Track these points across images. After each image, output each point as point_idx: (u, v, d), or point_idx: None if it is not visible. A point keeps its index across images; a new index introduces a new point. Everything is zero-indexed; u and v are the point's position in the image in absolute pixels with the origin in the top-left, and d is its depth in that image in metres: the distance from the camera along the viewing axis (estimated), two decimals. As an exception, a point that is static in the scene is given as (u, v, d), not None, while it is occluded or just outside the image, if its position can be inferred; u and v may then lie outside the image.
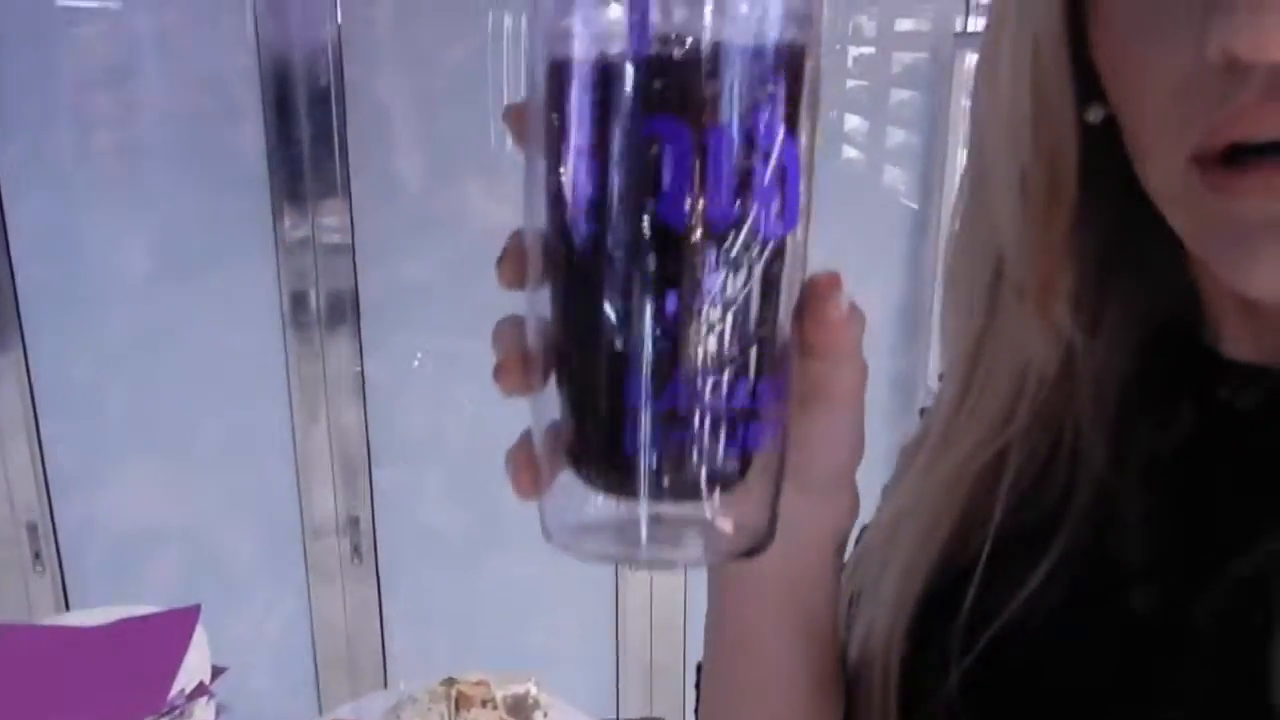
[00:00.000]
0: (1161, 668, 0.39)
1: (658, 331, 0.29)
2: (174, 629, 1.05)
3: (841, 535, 0.43)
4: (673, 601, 1.88)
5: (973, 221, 0.45)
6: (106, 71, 1.62)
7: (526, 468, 0.32)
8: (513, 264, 0.32)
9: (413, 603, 1.85)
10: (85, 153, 1.65)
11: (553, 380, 0.32)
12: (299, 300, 1.68)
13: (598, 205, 0.29)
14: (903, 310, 1.90)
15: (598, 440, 0.31)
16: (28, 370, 1.68)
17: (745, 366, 0.31)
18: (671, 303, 0.29)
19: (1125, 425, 0.43)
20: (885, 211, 1.86)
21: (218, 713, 1.06)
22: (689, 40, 0.28)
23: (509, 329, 0.33)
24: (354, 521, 1.77)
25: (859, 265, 1.83)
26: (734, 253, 0.29)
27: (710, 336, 0.30)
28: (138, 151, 1.66)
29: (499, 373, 0.32)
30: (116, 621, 1.09)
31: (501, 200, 1.72)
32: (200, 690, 1.01)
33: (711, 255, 0.29)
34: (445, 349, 1.75)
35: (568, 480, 0.32)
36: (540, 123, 0.30)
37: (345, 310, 1.69)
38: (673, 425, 0.30)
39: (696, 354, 0.30)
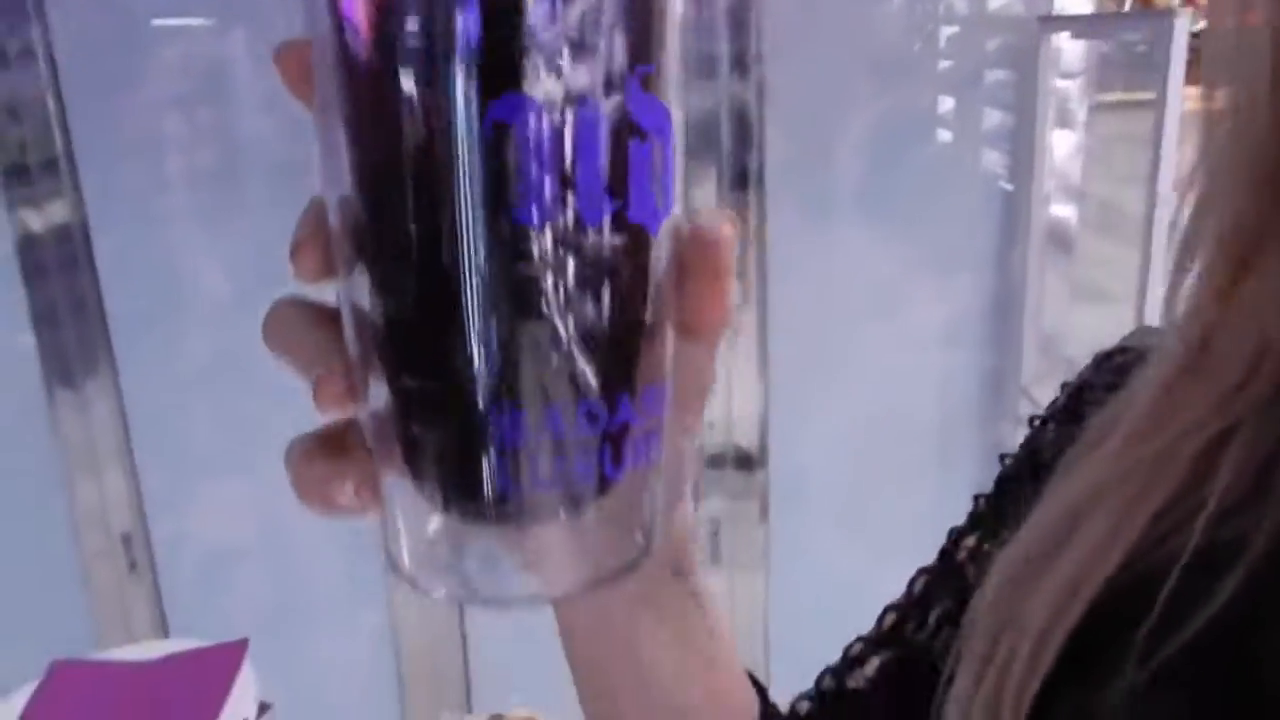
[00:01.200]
0: None
1: (510, 345, 0.25)
2: (221, 663, 1.06)
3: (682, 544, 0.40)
4: (754, 601, 1.84)
5: (1209, 193, 0.40)
6: (194, 94, 1.66)
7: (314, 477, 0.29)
8: (313, 251, 0.27)
9: (495, 621, 1.86)
10: (169, 178, 1.69)
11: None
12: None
13: (425, 205, 0.24)
14: (995, 301, 1.82)
15: (441, 454, 0.26)
16: (118, 392, 1.74)
17: (621, 374, 0.26)
18: (533, 313, 0.24)
19: None
20: (977, 196, 1.79)
21: (265, 747, 1.07)
22: None
23: (312, 342, 0.28)
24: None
25: (949, 254, 1.77)
26: (605, 242, 0.24)
27: (574, 346, 0.25)
28: (225, 173, 1.69)
29: (317, 395, 0.28)
30: (165, 656, 1.11)
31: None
32: (244, 726, 1.02)
33: (580, 244, 0.24)
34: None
35: (408, 499, 0.27)
36: (332, 75, 0.25)
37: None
38: (540, 441, 0.25)
39: (559, 367, 0.25)
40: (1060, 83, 1.71)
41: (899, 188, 1.74)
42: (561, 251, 0.24)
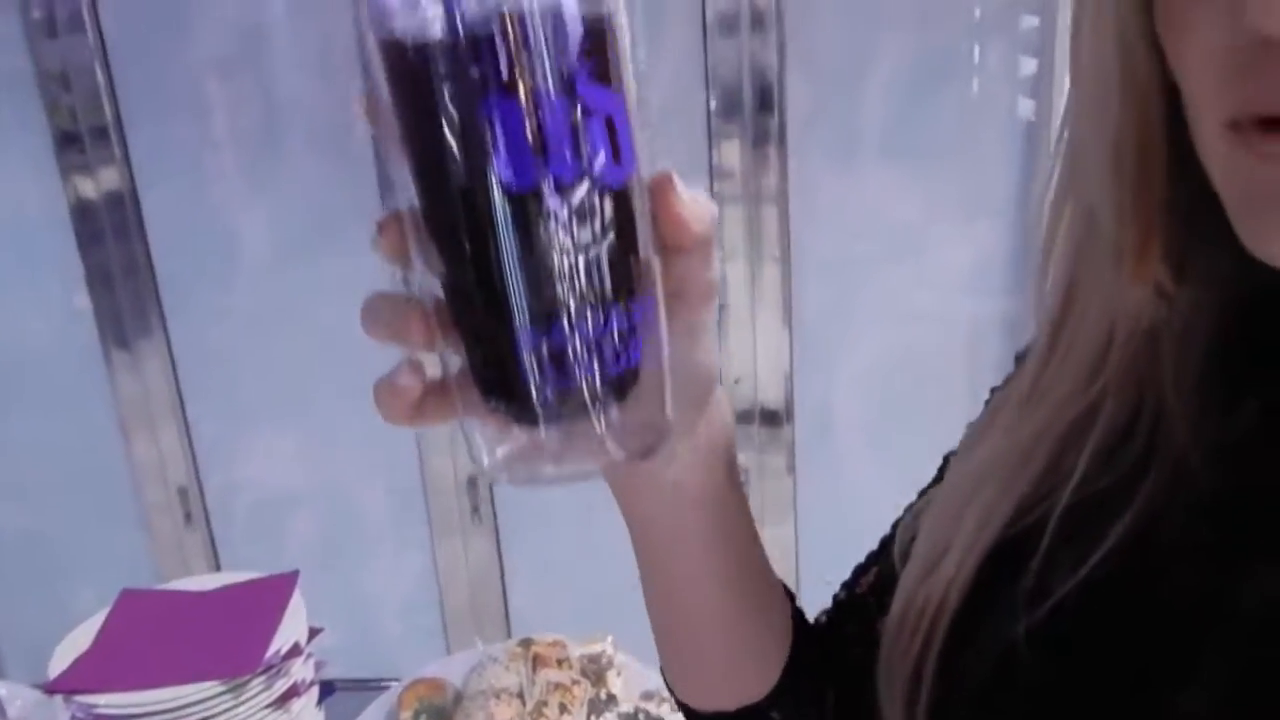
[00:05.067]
0: (1199, 648, 0.39)
1: (532, 278, 0.34)
2: (273, 593, 1.12)
3: (726, 446, 0.47)
4: (785, 552, 1.89)
5: (1068, 182, 0.45)
6: (235, 56, 1.71)
7: (400, 395, 0.37)
8: (392, 238, 0.35)
9: (532, 558, 1.93)
10: (213, 139, 1.75)
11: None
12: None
13: (462, 175, 0.33)
14: (1018, 246, 1.84)
15: (499, 379, 0.35)
16: (170, 352, 1.82)
17: (615, 291, 0.35)
18: (541, 252, 0.33)
19: (1203, 402, 0.43)
20: (1002, 141, 1.79)
21: (317, 669, 1.14)
22: (503, 16, 0.31)
23: (400, 305, 0.36)
24: (472, 481, 1.84)
25: (973, 198, 1.79)
26: (583, 199, 0.33)
27: (579, 273, 0.34)
28: (266, 133, 1.74)
29: (406, 337, 0.36)
30: (222, 587, 1.18)
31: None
32: (295, 651, 1.09)
33: (565, 204, 0.33)
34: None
35: (482, 416, 0.37)
36: (388, 108, 0.34)
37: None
38: (562, 356, 0.34)
39: (569, 288, 0.34)
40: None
41: (922, 134, 1.76)
42: (573, 208, 0.33)
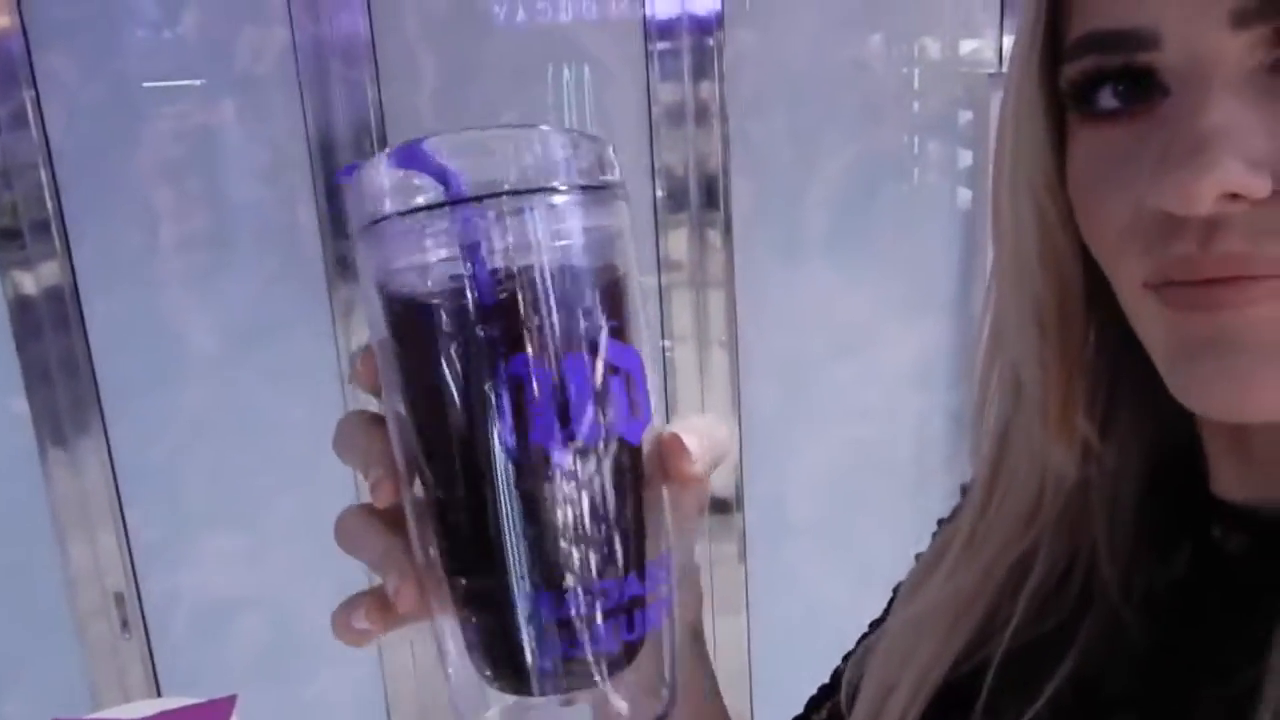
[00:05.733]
0: None
1: (541, 546, 0.32)
2: (211, 718, 1.08)
3: (695, 625, 0.48)
4: (737, 642, 1.88)
5: (995, 339, 0.46)
6: (184, 157, 1.71)
7: (359, 637, 0.36)
8: (386, 489, 0.34)
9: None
10: (159, 240, 1.74)
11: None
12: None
13: (466, 440, 0.31)
14: (962, 341, 1.87)
15: (502, 648, 0.33)
16: (109, 452, 1.77)
17: (627, 556, 0.33)
18: (551, 520, 0.32)
19: (1135, 551, 0.44)
20: (941, 237, 1.84)
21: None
22: (517, 283, 0.31)
23: (400, 558, 0.35)
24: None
25: (916, 295, 1.83)
26: (600, 461, 0.32)
27: (587, 541, 0.32)
28: (214, 236, 1.74)
29: (399, 599, 0.34)
30: (157, 714, 1.13)
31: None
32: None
33: (581, 467, 0.32)
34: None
35: (476, 677, 0.34)
36: (394, 364, 0.33)
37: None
38: (568, 628, 0.32)
39: (582, 556, 0.32)
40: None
41: (866, 229, 1.80)
42: (588, 471, 0.32)
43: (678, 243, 1.74)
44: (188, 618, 1.87)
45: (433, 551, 0.34)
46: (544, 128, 0.32)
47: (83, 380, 1.75)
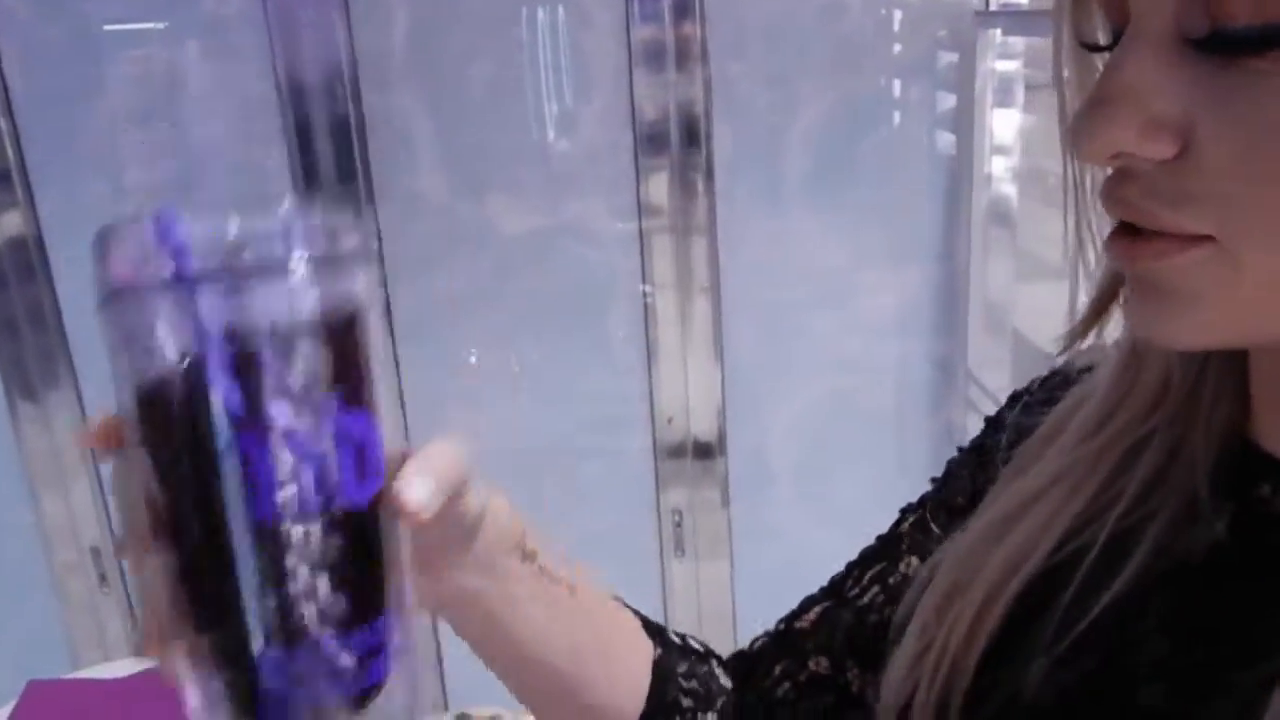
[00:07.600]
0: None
1: (272, 605, 0.33)
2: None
3: (516, 540, 0.49)
4: (720, 588, 1.89)
5: None
6: (147, 101, 1.66)
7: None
8: (136, 551, 0.35)
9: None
10: (124, 186, 1.69)
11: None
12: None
13: (195, 506, 0.33)
14: (943, 288, 1.87)
15: (238, 705, 0.35)
16: (80, 404, 1.74)
17: (360, 612, 0.35)
18: (274, 586, 0.33)
19: (1203, 499, 0.42)
20: (924, 182, 1.82)
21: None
22: (238, 363, 0.32)
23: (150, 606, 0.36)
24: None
25: (899, 237, 1.81)
26: (325, 526, 0.33)
27: (320, 600, 0.34)
28: (180, 179, 1.69)
29: (147, 648, 0.36)
30: (138, 673, 1.12)
31: (529, 211, 1.73)
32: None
33: (300, 540, 0.33)
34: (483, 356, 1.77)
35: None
36: (136, 439, 0.34)
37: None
38: (302, 679, 0.34)
39: (311, 615, 0.34)
40: (1001, 65, 1.74)
41: (847, 176, 1.78)
42: (295, 536, 0.33)
43: (658, 187, 1.71)
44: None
45: (178, 605, 0.35)
46: (286, 203, 0.33)
47: (51, 332, 1.71)
